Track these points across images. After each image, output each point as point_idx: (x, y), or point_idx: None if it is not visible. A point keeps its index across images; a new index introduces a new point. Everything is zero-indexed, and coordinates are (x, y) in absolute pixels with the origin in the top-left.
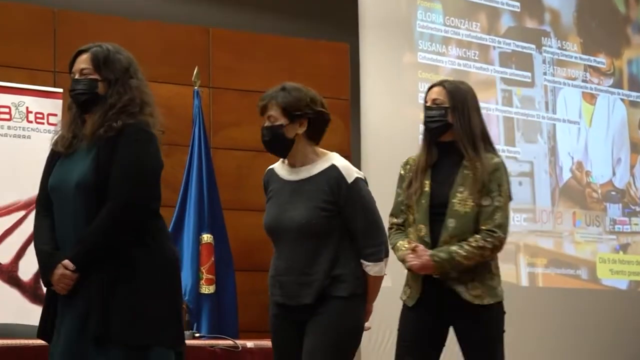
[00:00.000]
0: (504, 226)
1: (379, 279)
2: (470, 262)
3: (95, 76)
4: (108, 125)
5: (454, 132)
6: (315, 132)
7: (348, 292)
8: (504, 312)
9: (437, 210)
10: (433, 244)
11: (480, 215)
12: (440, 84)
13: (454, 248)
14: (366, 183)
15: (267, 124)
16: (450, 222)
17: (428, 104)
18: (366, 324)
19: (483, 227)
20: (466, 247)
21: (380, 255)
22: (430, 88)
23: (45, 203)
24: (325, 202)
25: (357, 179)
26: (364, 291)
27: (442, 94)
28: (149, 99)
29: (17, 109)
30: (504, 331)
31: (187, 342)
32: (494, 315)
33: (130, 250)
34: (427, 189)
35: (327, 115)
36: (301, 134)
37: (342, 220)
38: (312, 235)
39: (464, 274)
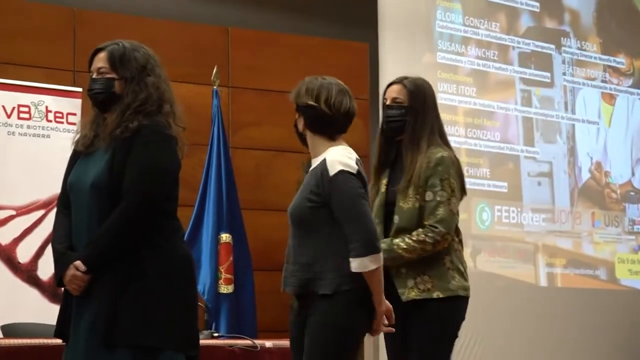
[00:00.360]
0: (446, 221)
1: (372, 275)
2: (411, 255)
3: (112, 75)
4: (124, 126)
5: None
6: (314, 127)
7: (330, 289)
8: (458, 309)
9: (391, 209)
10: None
11: (424, 210)
12: (400, 81)
13: (396, 240)
14: (355, 177)
15: None
16: (396, 219)
17: (388, 102)
18: (385, 323)
19: (426, 222)
20: (407, 240)
21: (359, 250)
22: (389, 85)
23: (65, 201)
24: (312, 194)
25: (339, 171)
26: (355, 288)
27: (403, 93)
28: (168, 96)
29: (36, 108)
30: (455, 331)
31: (206, 341)
32: (443, 309)
33: (143, 251)
34: (383, 188)
35: (317, 108)
36: (304, 128)
37: (331, 214)
38: (299, 224)
39: (414, 267)
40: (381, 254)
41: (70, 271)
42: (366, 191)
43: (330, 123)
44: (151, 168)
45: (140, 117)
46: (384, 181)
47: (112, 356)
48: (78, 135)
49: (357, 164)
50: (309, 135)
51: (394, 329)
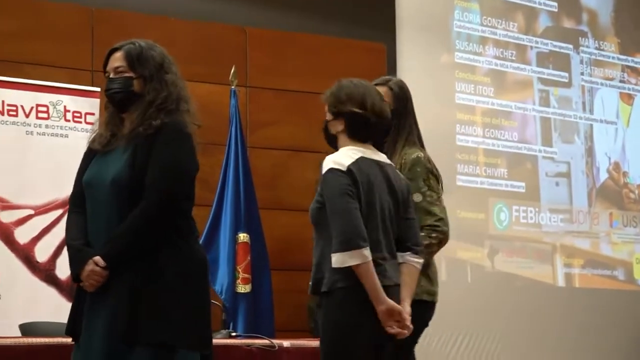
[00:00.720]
0: (444, 220)
1: (358, 272)
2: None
3: (130, 74)
4: (147, 123)
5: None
6: (355, 132)
7: (327, 287)
8: (421, 313)
9: None
10: None
11: (417, 212)
12: (385, 83)
13: None
14: (344, 174)
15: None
16: None
17: None
18: (390, 327)
19: (424, 224)
20: None
21: (337, 246)
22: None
23: (78, 199)
24: (318, 194)
25: (328, 170)
26: (351, 285)
27: (389, 96)
28: (185, 93)
29: (55, 107)
30: (415, 336)
31: (224, 341)
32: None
33: (161, 250)
34: None
35: (365, 115)
36: (341, 131)
37: None
38: (314, 226)
39: None
40: (364, 251)
41: (89, 266)
42: (359, 189)
43: (373, 129)
44: (172, 167)
45: (163, 115)
46: None
47: (131, 354)
48: (93, 134)
49: (357, 162)
50: (342, 139)
51: (406, 332)
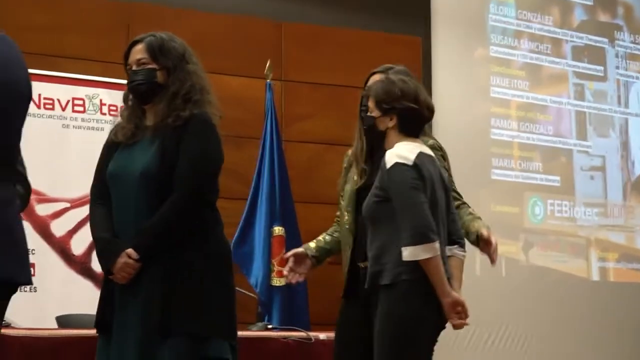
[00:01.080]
0: None
1: (426, 265)
2: None
3: (153, 65)
4: (176, 114)
5: None
6: (407, 128)
7: (389, 279)
8: None
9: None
10: None
11: None
12: (385, 71)
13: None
14: (411, 168)
15: (367, 112)
16: None
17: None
18: (453, 319)
19: (457, 204)
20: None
21: (409, 240)
22: (371, 75)
23: (101, 192)
24: (377, 189)
25: (395, 164)
26: (416, 278)
27: None
28: (206, 83)
29: (91, 101)
30: None
31: (260, 333)
32: None
33: (189, 241)
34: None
35: (419, 110)
36: (391, 127)
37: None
38: (369, 220)
39: None
40: (435, 244)
41: (122, 259)
42: (425, 184)
43: (424, 123)
44: (203, 161)
45: (190, 106)
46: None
47: (165, 344)
48: (115, 127)
49: (419, 157)
50: (394, 136)
51: (467, 323)
